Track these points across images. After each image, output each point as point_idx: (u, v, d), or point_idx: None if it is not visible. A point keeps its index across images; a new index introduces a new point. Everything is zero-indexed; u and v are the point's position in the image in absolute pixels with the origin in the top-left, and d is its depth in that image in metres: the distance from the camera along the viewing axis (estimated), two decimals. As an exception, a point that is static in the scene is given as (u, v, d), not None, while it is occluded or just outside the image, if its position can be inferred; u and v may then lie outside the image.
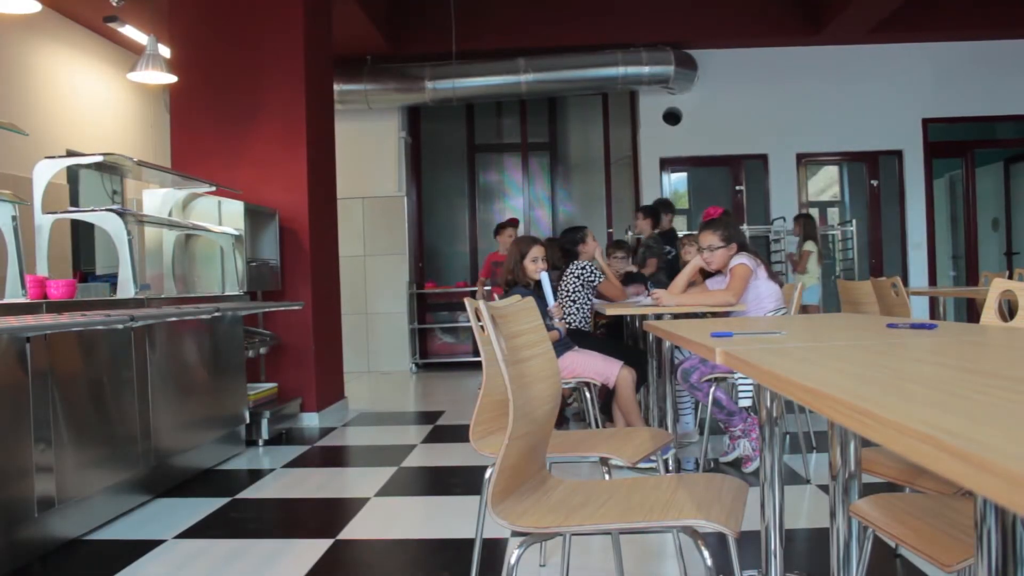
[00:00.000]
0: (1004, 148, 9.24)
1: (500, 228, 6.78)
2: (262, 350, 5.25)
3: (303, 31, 5.56)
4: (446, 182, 9.72)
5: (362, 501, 3.57)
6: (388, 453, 4.62)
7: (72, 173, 5.92)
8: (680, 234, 6.57)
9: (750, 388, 3.81)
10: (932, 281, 8.62)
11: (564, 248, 4.97)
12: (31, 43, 6.37)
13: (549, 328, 3.88)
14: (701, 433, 4.15)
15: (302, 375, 5.50)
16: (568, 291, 4.68)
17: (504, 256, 6.16)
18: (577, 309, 4.68)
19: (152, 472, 3.65)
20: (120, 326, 2.94)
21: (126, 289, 3.70)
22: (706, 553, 1.45)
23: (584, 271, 4.68)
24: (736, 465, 3.93)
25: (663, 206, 6.79)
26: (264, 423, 4.81)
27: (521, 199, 9.81)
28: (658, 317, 3.70)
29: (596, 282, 4.67)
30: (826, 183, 9.13)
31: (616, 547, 2.40)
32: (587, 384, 3.88)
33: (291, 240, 5.53)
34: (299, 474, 4.20)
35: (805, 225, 7.32)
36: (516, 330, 1.77)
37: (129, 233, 3.72)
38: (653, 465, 3.34)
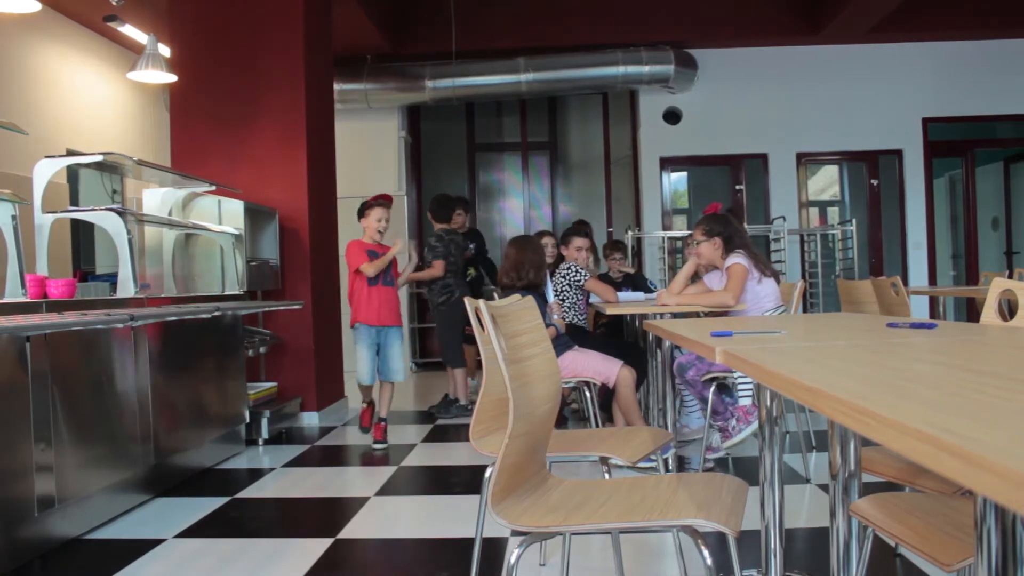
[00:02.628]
0: (1004, 148, 9.24)
1: (367, 208, 4.96)
2: (262, 349, 5.25)
3: (303, 30, 5.55)
4: (446, 181, 9.72)
5: (362, 500, 3.57)
6: (388, 452, 4.62)
7: (72, 172, 5.92)
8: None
9: (750, 387, 3.81)
10: (932, 281, 8.62)
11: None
12: (31, 43, 6.37)
13: (547, 325, 3.90)
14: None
15: (302, 374, 5.50)
16: (556, 291, 4.72)
17: (376, 246, 4.86)
18: (570, 307, 4.73)
19: (152, 471, 3.65)
20: (120, 325, 2.94)
21: (126, 288, 3.70)
22: (706, 552, 1.45)
23: (570, 271, 4.74)
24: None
25: (461, 202, 6.34)
26: (264, 422, 4.81)
27: (521, 199, 9.80)
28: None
29: (581, 281, 4.71)
30: (826, 183, 9.13)
31: (616, 546, 2.40)
32: (587, 383, 3.88)
33: (291, 239, 5.53)
34: (299, 473, 4.20)
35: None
36: (516, 329, 1.77)
37: (129, 232, 3.72)
38: (653, 464, 3.34)
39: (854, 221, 8.17)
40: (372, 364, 4.77)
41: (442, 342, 5.91)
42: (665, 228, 8.59)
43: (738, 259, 3.79)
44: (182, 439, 3.94)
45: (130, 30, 6.76)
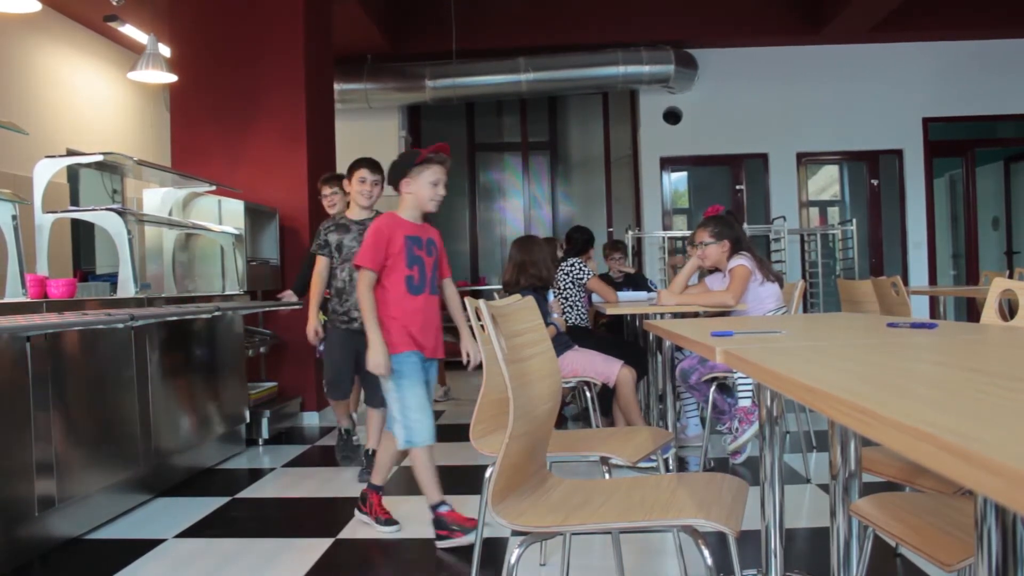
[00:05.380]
0: (1004, 147, 9.24)
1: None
2: (262, 349, 5.25)
3: (303, 30, 5.56)
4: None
5: (362, 500, 3.57)
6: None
7: (72, 172, 5.92)
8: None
9: (750, 387, 3.81)
10: (932, 280, 8.62)
11: (575, 242, 5.09)
12: (31, 42, 6.37)
13: (547, 324, 3.90)
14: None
15: (302, 374, 5.50)
16: (560, 288, 4.72)
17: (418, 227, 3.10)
18: (571, 306, 4.73)
19: (152, 471, 3.65)
20: (120, 325, 2.94)
21: (126, 288, 3.70)
22: (706, 552, 1.45)
23: (573, 268, 4.74)
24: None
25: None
26: (264, 422, 4.81)
27: (521, 198, 9.80)
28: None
29: (584, 279, 4.72)
30: (826, 182, 9.13)
31: (616, 546, 2.40)
32: (587, 384, 3.88)
33: (291, 239, 5.53)
34: (299, 473, 4.19)
35: None
36: (516, 329, 1.77)
37: (129, 232, 3.72)
38: (653, 464, 3.34)
39: (854, 221, 8.16)
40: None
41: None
42: (665, 228, 8.59)
43: (742, 261, 3.80)
44: (182, 439, 3.94)
45: (130, 30, 6.76)
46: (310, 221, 5.54)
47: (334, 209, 4.46)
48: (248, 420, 4.72)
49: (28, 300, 3.18)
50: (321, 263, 3.85)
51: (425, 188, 2.95)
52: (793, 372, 0.98)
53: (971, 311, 8.32)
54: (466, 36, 7.80)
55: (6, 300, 3.16)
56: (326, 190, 4.58)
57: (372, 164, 3.87)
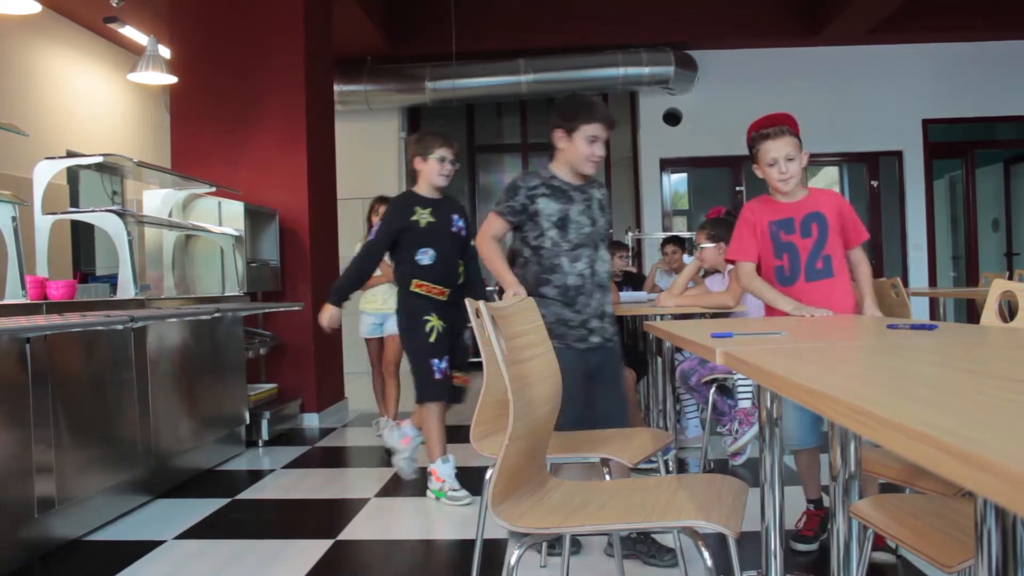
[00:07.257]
0: (1004, 149, 9.24)
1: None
2: (262, 351, 5.24)
3: (303, 31, 5.56)
4: (446, 183, 9.71)
5: (362, 502, 3.57)
6: (388, 453, 4.61)
7: (72, 174, 5.92)
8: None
9: (750, 389, 3.81)
10: (932, 282, 8.62)
11: None
12: (31, 44, 6.37)
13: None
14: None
15: (302, 376, 5.50)
16: None
17: None
18: None
19: (152, 472, 3.65)
20: (120, 327, 2.94)
21: (126, 290, 3.70)
22: (706, 554, 1.45)
23: None
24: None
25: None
26: (264, 424, 4.81)
27: (521, 200, 9.80)
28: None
29: None
30: (826, 184, 9.13)
31: (616, 548, 2.40)
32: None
33: (291, 240, 5.53)
34: (299, 475, 4.19)
35: None
36: (516, 330, 1.77)
37: (129, 234, 3.72)
38: (654, 466, 3.34)
39: (854, 222, 8.14)
40: None
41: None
42: (665, 229, 8.58)
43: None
44: (182, 440, 3.94)
45: (130, 31, 6.75)
46: (310, 222, 5.54)
47: (446, 182, 3.50)
48: (248, 421, 4.72)
49: (28, 302, 3.18)
50: (504, 230, 2.78)
51: (767, 169, 2.75)
52: (793, 374, 0.98)
53: (971, 313, 8.31)
54: (466, 37, 7.80)
55: (6, 302, 3.16)
56: (445, 152, 3.42)
57: (608, 117, 2.90)
